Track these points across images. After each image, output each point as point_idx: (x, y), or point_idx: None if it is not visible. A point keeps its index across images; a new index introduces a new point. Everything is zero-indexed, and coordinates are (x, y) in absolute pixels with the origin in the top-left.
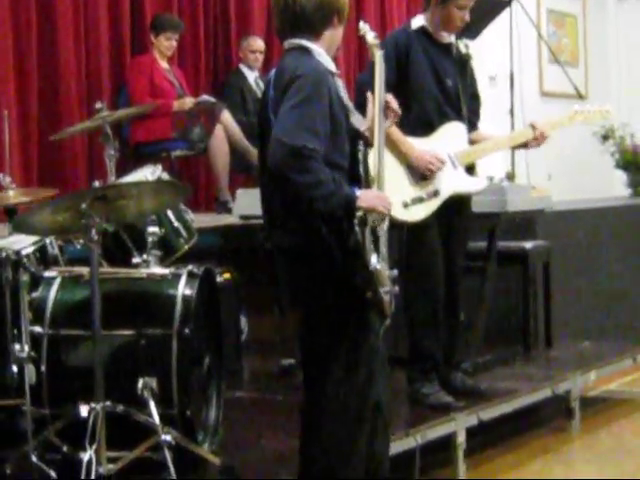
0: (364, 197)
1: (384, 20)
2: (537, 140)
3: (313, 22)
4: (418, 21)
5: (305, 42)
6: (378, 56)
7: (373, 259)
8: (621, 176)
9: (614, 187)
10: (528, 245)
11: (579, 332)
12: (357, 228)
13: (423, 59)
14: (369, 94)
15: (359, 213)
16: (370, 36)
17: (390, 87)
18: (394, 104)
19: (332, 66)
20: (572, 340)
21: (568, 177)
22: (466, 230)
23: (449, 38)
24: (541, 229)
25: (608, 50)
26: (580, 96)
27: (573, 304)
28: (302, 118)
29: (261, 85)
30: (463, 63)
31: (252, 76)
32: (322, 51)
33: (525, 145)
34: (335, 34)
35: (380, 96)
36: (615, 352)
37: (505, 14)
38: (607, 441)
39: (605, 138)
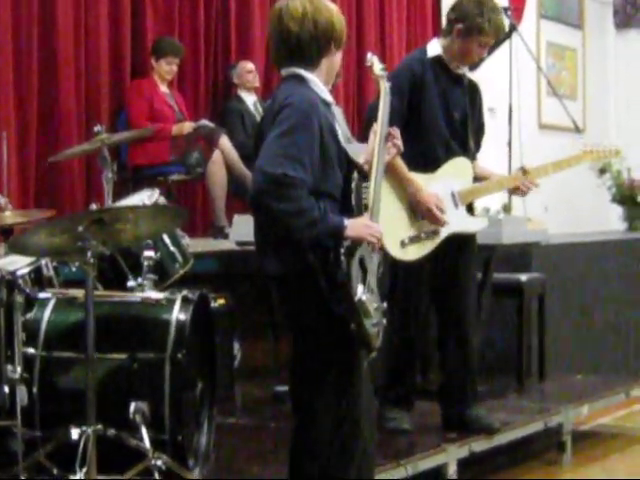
0: (352, 226)
1: (383, 44)
2: (522, 189)
3: (309, 52)
4: (434, 48)
5: (301, 71)
6: (384, 88)
7: (359, 290)
8: (617, 210)
9: (610, 221)
10: (523, 277)
11: (572, 365)
12: (343, 258)
13: (435, 91)
14: (374, 125)
15: (347, 242)
16: (377, 68)
17: (403, 118)
18: (397, 138)
19: (327, 96)
20: (565, 373)
21: (564, 210)
22: (470, 267)
23: (463, 69)
24: (536, 262)
25: (607, 84)
26: (578, 129)
27: (567, 337)
28: (285, 147)
29: (259, 109)
30: (473, 93)
31: (251, 100)
32: (317, 81)
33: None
34: (333, 61)
35: (383, 128)
36: (608, 386)
37: (505, 46)
38: (599, 476)
39: (602, 172)
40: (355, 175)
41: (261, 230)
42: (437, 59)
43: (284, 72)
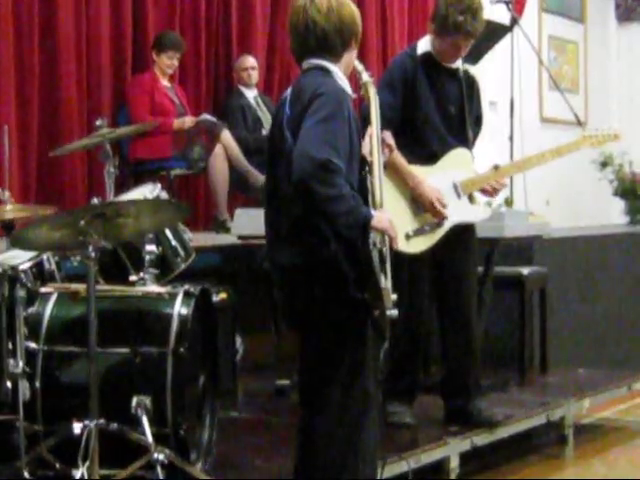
0: (379, 218)
1: (385, 41)
2: (488, 189)
3: (335, 45)
4: (424, 45)
5: (325, 63)
6: (373, 93)
7: (382, 279)
8: (619, 203)
9: (611, 214)
10: (525, 271)
11: (574, 359)
12: (372, 247)
13: (427, 87)
14: (369, 128)
15: (372, 233)
16: (365, 75)
17: (399, 113)
18: (389, 140)
19: (349, 89)
20: (567, 367)
21: (566, 204)
22: (470, 259)
23: (456, 63)
24: (538, 255)
25: (609, 77)
26: (580, 123)
27: (569, 331)
28: (326, 134)
29: (260, 103)
30: (470, 86)
31: (251, 94)
32: (341, 74)
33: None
34: (352, 56)
35: (378, 131)
36: (610, 380)
37: (506, 40)
38: (600, 469)
39: (604, 165)
40: (367, 169)
41: (277, 221)
42: (427, 55)
43: (307, 64)
